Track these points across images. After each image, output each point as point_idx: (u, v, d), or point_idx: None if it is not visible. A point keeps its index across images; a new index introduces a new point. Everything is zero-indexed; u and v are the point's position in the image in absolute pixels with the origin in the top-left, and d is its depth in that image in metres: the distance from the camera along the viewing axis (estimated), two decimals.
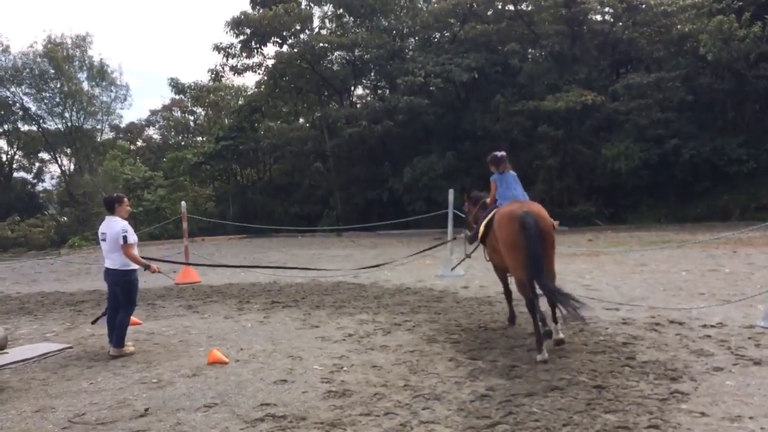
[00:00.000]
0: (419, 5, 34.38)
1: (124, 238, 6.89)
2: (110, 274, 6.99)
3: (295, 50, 32.46)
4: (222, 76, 36.24)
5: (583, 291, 10.09)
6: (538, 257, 6.20)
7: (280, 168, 38.81)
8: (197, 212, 33.16)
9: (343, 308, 9.52)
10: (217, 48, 33.15)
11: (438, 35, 33.78)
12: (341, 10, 34.36)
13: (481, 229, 7.48)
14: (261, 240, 29.46)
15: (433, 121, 29.56)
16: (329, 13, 35.39)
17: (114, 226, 6.97)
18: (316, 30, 34.45)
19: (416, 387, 5.45)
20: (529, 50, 31.69)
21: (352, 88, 36.84)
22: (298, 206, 34.67)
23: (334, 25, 35.10)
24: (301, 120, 39.44)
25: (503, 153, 7.55)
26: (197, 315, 9.43)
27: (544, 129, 26.70)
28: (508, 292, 8.11)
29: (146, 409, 5.09)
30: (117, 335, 6.94)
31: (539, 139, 27.32)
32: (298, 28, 32.75)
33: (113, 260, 6.94)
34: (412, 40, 34.52)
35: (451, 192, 13.15)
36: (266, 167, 39.79)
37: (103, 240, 6.96)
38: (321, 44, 31.93)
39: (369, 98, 36.05)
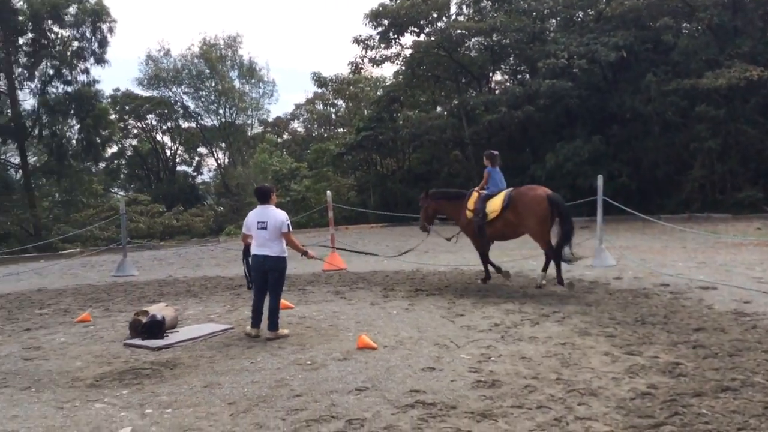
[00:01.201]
0: None
1: (288, 226, 7.31)
2: (268, 261, 7.26)
3: (433, 38, 32.40)
4: (361, 68, 37.01)
5: (754, 284, 9.24)
6: (571, 227, 9.20)
7: (418, 157, 39.05)
8: (340, 201, 34.20)
9: (488, 297, 9.39)
10: (356, 40, 33.87)
11: (581, 14, 32.25)
12: None
13: (494, 209, 9.77)
14: (401, 228, 29.83)
15: (577, 104, 28.33)
16: None
17: (277, 215, 7.33)
18: (453, 17, 34.18)
19: (570, 381, 5.24)
20: (684, 24, 29.35)
21: (491, 74, 36.17)
22: None
23: (471, 11, 34.60)
24: (439, 108, 39.37)
25: (497, 152, 10.78)
26: (345, 301, 9.71)
27: (703, 109, 24.65)
28: (486, 257, 10.64)
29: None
30: (272, 320, 7.28)
31: (697, 120, 25.29)
32: (435, 16, 32.65)
33: (271, 248, 7.25)
34: (554, 21, 33.22)
35: (600, 178, 12.45)
36: (405, 156, 40.20)
37: (263, 228, 7.24)
38: (458, 31, 31.61)
39: (508, 84, 35.23)
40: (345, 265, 14.01)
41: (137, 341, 7.19)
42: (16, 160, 35.87)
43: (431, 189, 11.68)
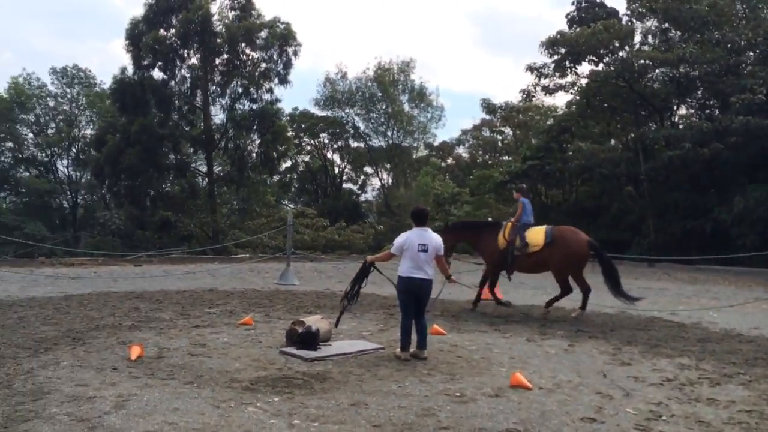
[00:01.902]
0: (762, 15, 30.18)
1: (442, 249, 7.37)
2: (424, 284, 7.22)
3: (612, 68, 30.99)
4: (533, 96, 36.32)
5: None
6: (613, 268, 10.67)
7: (587, 190, 37.39)
8: None
9: (659, 348, 8.53)
10: (530, 68, 33.30)
11: None
12: (667, 24, 31.86)
13: (537, 243, 10.55)
14: None
15: None
16: (653, 27, 33.09)
17: (436, 238, 7.38)
18: (637, 46, 32.47)
19: None
20: None
21: (675, 107, 33.85)
22: (605, 231, 32.88)
23: (657, 41, 32.69)
24: (613, 141, 37.50)
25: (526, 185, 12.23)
26: (498, 333, 9.32)
27: None
28: (493, 286, 11.80)
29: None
30: (424, 338, 7.35)
31: None
32: (617, 45, 31.22)
33: (427, 271, 7.23)
34: (751, 53, 30.42)
35: None
36: (572, 189, 38.69)
37: (423, 251, 7.20)
38: (642, 61, 29.98)
39: (694, 118, 32.68)
40: (502, 296, 13.53)
41: (292, 350, 7.34)
42: (204, 168, 39.27)
43: (452, 222, 13.55)
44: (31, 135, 47.25)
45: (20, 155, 46.88)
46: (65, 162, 48.05)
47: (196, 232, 35.67)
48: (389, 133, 49.85)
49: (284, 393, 5.69)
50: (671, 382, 6.66)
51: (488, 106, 44.90)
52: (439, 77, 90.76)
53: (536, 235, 10.55)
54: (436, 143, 54.66)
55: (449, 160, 55.62)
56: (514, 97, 47.38)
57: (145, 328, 8.76)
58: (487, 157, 52.14)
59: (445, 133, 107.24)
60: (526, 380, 6.28)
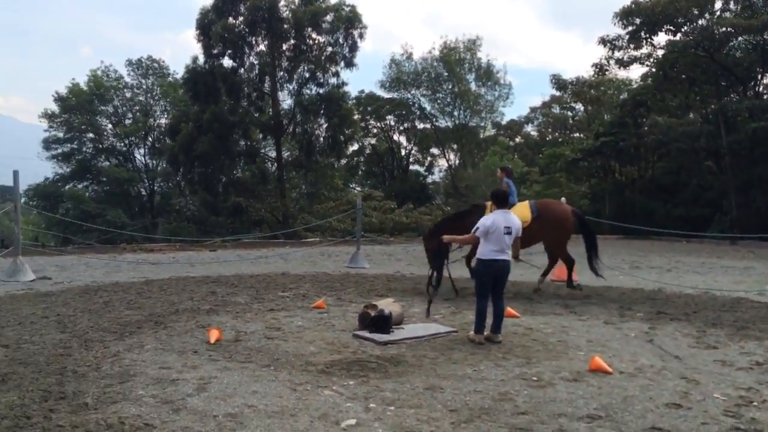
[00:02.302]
0: None
1: (518, 231, 7.28)
2: (506, 266, 7.18)
3: (691, 38, 29.56)
4: (606, 70, 35.08)
5: None
6: (595, 240, 11.28)
7: (664, 166, 35.98)
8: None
9: (747, 330, 8.13)
10: (603, 41, 32.14)
11: None
12: None
13: (525, 219, 9.97)
14: (640, 242, 27.70)
15: None
16: None
17: (516, 220, 7.28)
18: (718, 13, 30.80)
19: None
20: None
21: (759, 76, 31.99)
22: (683, 208, 31.68)
23: (739, 7, 30.91)
24: (692, 114, 35.86)
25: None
26: (575, 316, 9.09)
27: None
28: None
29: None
30: (500, 321, 7.28)
31: None
32: (696, 13, 29.72)
33: (508, 253, 7.18)
34: None
35: None
36: (648, 165, 37.31)
37: (508, 233, 7.11)
38: (723, 29, 28.42)
39: None
40: (576, 277, 13.20)
41: (365, 333, 7.36)
42: (273, 154, 39.98)
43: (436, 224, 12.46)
44: (110, 126, 49.25)
45: (101, 145, 48.98)
46: (142, 151, 49.97)
47: (267, 217, 36.42)
48: (456, 113, 49.34)
49: (359, 376, 5.71)
50: (761, 366, 6.33)
51: (558, 82, 43.68)
52: (506, 54, 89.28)
53: (522, 211, 10.44)
54: (503, 122, 53.77)
55: (517, 139, 54.63)
56: (585, 72, 45.96)
57: (222, 311, 8.99)
58: (557, 134, 50.93)
59: (513, 111, 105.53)
60: (606, 364, 6.09)
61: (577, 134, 47.12)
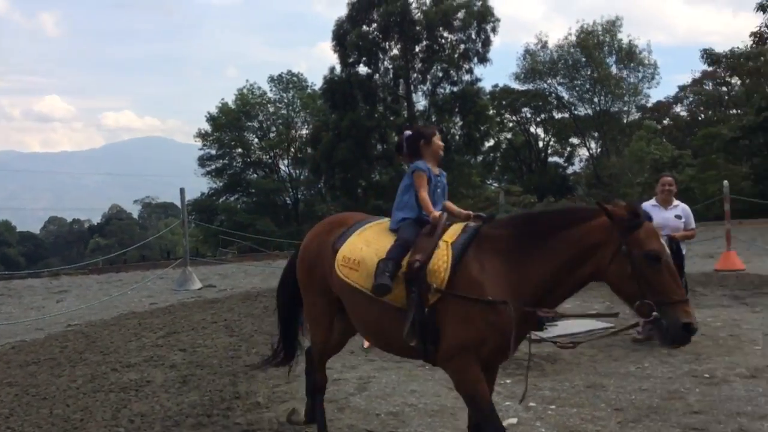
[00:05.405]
0: None
1: None
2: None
3: None
4: (766, 38, 32.01)
5: None
6: None
7: None
8: (733, 191, 30.21)
9: None
10: (761, 7, 29.42)
11: None
12: None
13: None
14: None
15: None
16: None
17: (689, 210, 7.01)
18: None
19: None
20: None
21: None
22: None
23: None
24: None
25: None
26: (746, 307, 8.40)
27: None
28: None
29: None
30: None
31: None
32: None
33: None
34: None
35: None
36: None
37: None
38: None
39: None
40: (743, 265, 12.20)
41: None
42: None
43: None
44: (256, 140, 52.26)
45: (248, 159, 52.10)
46: (285, 161, 52.52)
47: None
48: (596, 100, 47.20)
49: (515, 375, 5.64)
50: None
51: (710, 57, 40.36)
52: (649, 32, 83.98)
53: None
54: (649, 104, 50.62)
55: (666, 121, 51.19)
56: (741, 43, 42.08)
57: None
58: (711, 113, 47.16)
59: (659, 92, 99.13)
60: None
61: (735, 111, 43.31)
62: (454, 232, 3.56)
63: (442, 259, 3.39)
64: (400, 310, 3.46)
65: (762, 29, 30.90)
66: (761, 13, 29.75)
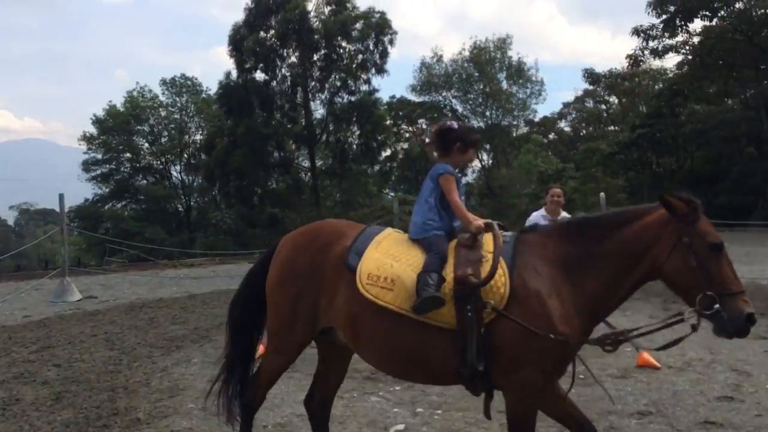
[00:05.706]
0: None
1: None
2: None
3: (728, 22, 28.94)
4: (641, 61, 34.55)
5: None
6: None
7: (703, 155, 35.22)
8: (610, 204, 32.27)
9: None
10: (637, 31, 31.67)
11: None
12: None
13: None
14: None
15: None
16: None
17: None
18: None
19: None
20: None
21: None
22: (725, 197, 30.93)
23: None
24: (731, 101, 35.07)
25: None
26: (618, 311, 8.92)
27: None
28: None
29: None
30: None
31: None
32: None
33: None
34: None
35: None
36: (687, 155, 36.58)
37: None
38: (762, 10, 27.77)
39: None
40: None
41: None
42: (307, 163, 40.33)
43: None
44: (146, 145, 50.22)
45: (137, 164, 49.97)
46: (178, 168, 50.81)
47: None
48: (488, 113, 49.16)
49: (404, 382, 5.72)
50: None
51: (591, 76, 43.10)
52: (536, 51, 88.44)
53: None
54: (536, 119, 53.28)
55: (551, 136, 54.00)
56: (618, 64, 45.32)
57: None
58: (591, 129, 50.24)
59: (545, 108, 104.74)
60: (654, 359, 6.03)
61: (612, 127, 46.43)
62: (490, 242, 3.24)
63: (498, 273, 3.08)
64: (446, 332, 3.09)
65: (636, 52, 33.29)
66: (636, 37, 32.02)
